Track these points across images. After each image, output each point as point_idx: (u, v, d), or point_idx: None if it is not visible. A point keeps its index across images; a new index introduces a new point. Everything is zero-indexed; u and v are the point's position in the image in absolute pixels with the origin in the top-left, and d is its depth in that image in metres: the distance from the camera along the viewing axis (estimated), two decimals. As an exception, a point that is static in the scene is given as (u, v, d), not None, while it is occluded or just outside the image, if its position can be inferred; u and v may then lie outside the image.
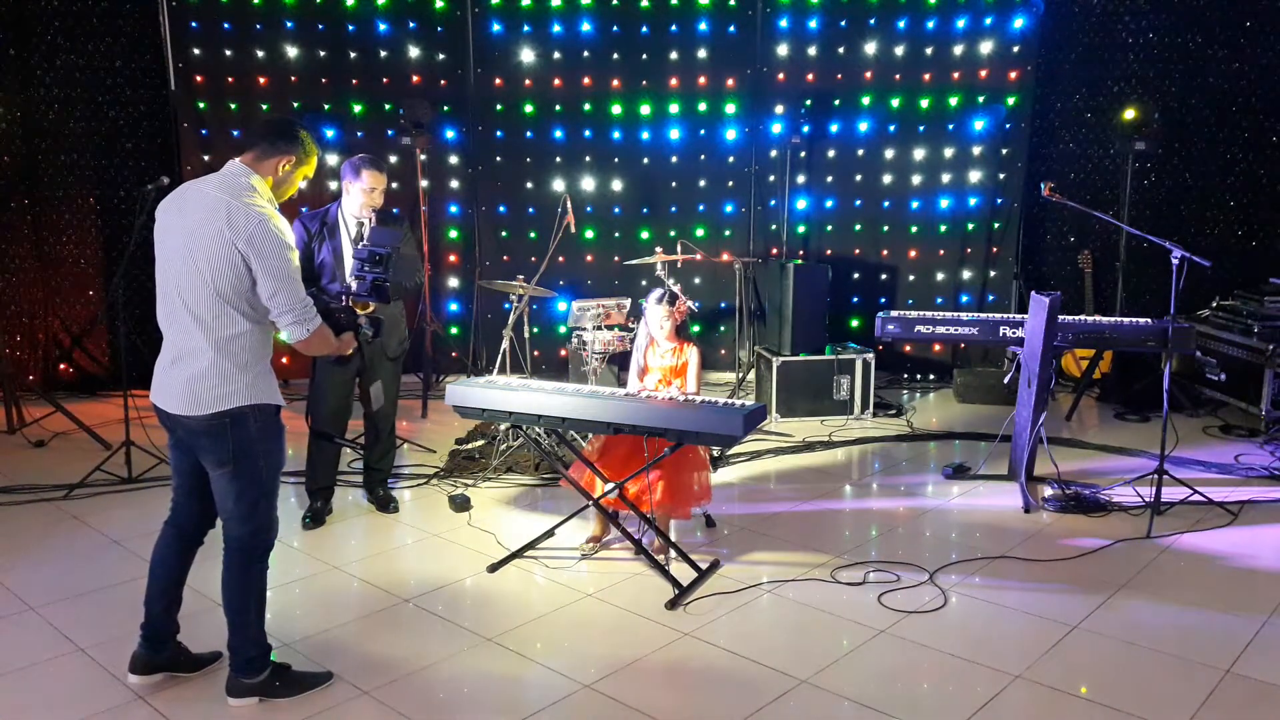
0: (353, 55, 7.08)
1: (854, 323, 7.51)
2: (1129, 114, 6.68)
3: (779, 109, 7.25)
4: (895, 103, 7.23)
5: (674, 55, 7.18)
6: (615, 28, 7.16)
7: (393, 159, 7.15)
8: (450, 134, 7.26)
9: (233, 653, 3.06)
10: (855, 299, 7.51)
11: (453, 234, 7.40)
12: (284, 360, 7.31)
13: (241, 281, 2.82)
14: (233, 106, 7.00)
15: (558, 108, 7.24)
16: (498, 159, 7.31)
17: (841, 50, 7.18)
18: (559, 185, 7.25)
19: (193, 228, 2.84)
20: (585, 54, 7.19)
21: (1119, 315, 6.66)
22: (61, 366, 7.22)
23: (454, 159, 7.34)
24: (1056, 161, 7.49)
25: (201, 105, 6.97)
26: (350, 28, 7.04)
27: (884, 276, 7.49)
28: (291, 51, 7.00)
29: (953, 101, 7.21)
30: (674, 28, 7.16)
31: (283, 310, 2.86)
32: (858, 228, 7.44)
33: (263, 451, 2.94)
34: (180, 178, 6.88)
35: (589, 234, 7.34)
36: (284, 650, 3.42)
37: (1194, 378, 6.52)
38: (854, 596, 3.82)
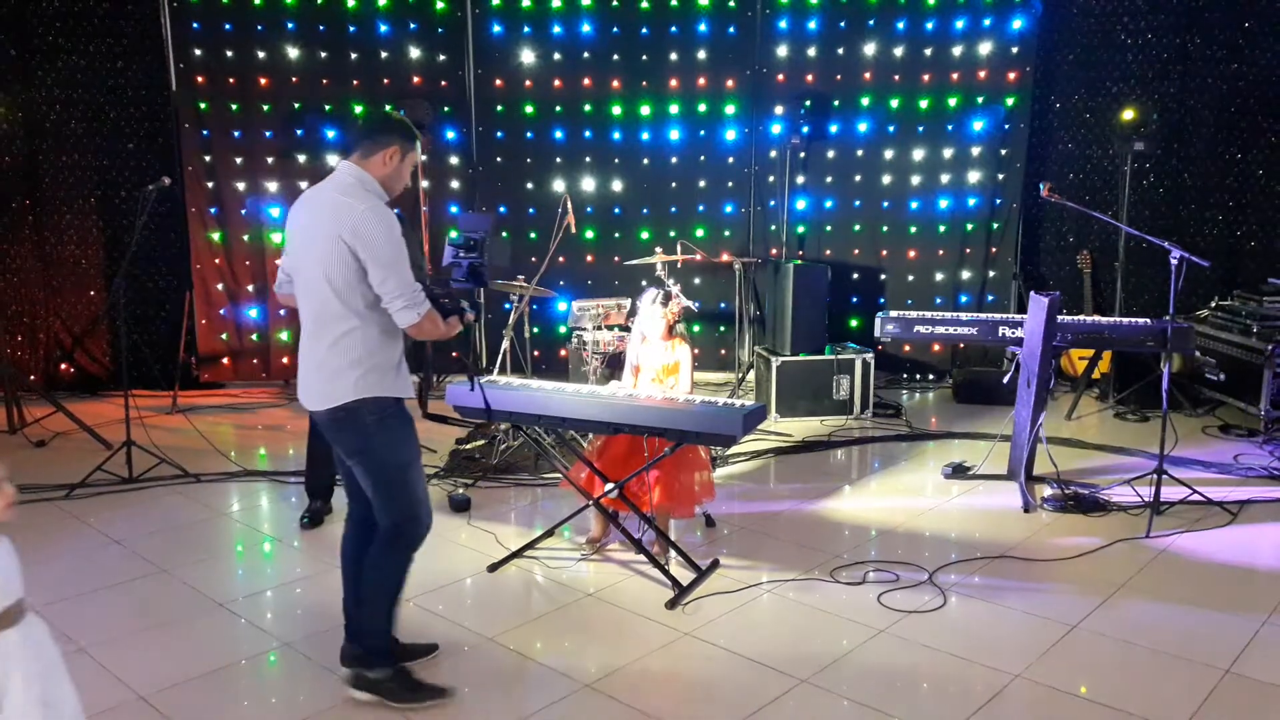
0: (354, 56, 7.09)
1: (853, 323, 7.51)
2: (1128, 114, 6.69)
3: (778, 110, 7.25)
4: (894, 103, 7.23)
5: (674, 56, 7.19)
6: (615, 29, 7.16)
7: (393, 159, 7.15)
8: (451, 134, 7.27)
9: (357, 639, 3.13)
10: (855, 299, 7.51)
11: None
12: (284, 360, 7.32)
13: (352, 275, 2.87)
14: (234, 107, 7.00)
15: (558, 108, 7.24)
16: (498, 159, 7.32)
17: (841, 51, 7.18)
18: (559, 186, 7.25)
19: (309, 231, 2.95)
20: (585, 55, 7.19)
21: (1118, 315, 6.66)
22: (62, 366, 7.23)
23: (454, 159, 7.34)
24: (1055, 162, 7.50)
25: (203, 106, 6.97)
26: (351, 29, 7.04)
27: (883, 277, 7.49)
28: (293, 52, 7.01)
29: (952, 102, 7.22)
30: (674, 29, 7.16)
31: (393, 296, 2.88)
32: (857, 228, 7.44)
33: (382, 443, 2.96)
34: (181, 178, 6.89)
35: (589, 234, 7.34)
36: (285, 649, 3.43)
37: (1193, 377, 6.52)
38: (854, 596, 3.82)
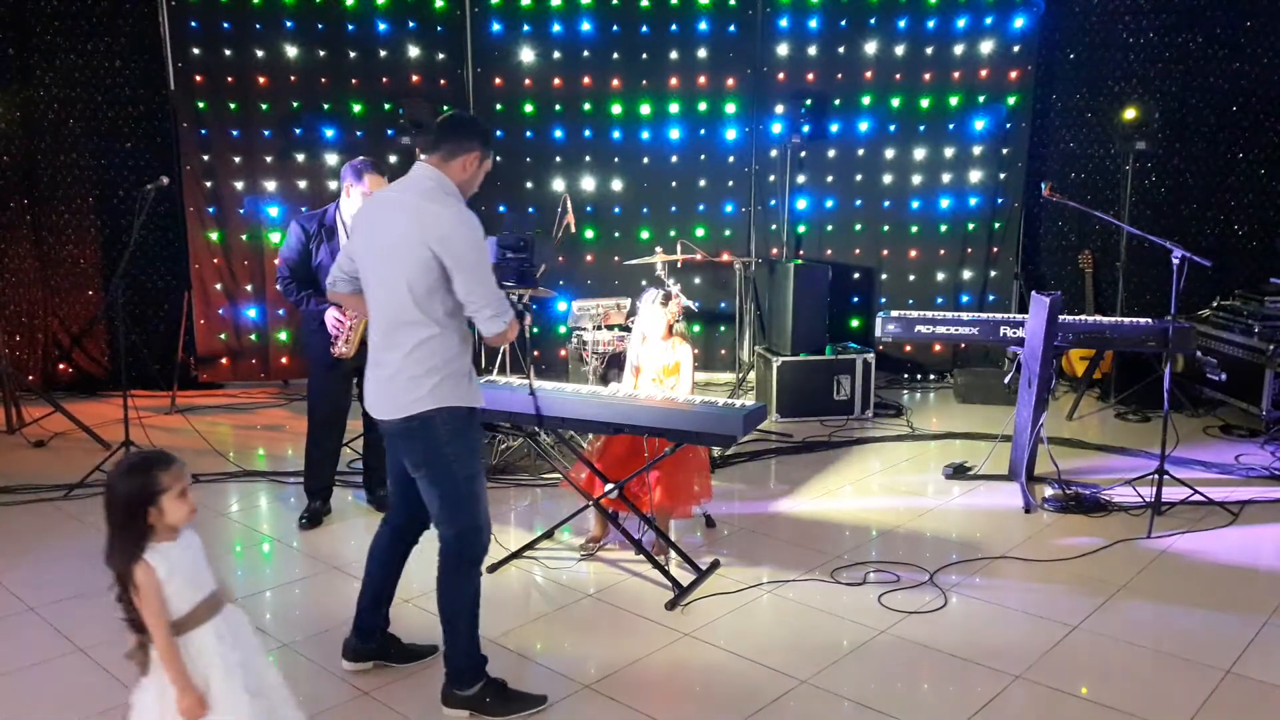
0: (352, 55, 7.08)
1: (854, 323, 7.50)
2: (1129, 113, 6.67)
3: (779, 109, 7.24)
4: (895, 102, 7.22)
5: (674, 55, 7.18)
6: (615, 27, 7.15)
7: (392, 159, 7.15)
8: (450, 134, 7.25)
9: (446, 660, 3.05)
10: (855, 299, 7.50)
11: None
12: (283, 360, 7.32)
13: (435, 283, 2.81)
14: (232, 106, 6.99)
15: (557, 107, 7.23)
16: (497, 159, 7.26)
17: (842, 50, 7.18)
18: (559, 185, 7.24)
19: (386, 236, 2.87)
20: (585, 54, 7.18)
21: (1119, 315, 6.65)
22: (61, 366, 7.22)
23: (454, 159, 7.32)
24: (1057, 161, 7.49)
25: (201, 105, 6.96)
26: (350, 27, 7.03)
27: (884, 276, 7.49)
28: (291, 51, 6.99)
29: (953, 101, 7.21)
30: (674, 27, 7.15)
31: (481, 305, 2.83)
32: (858, 228, 7.44)
33: (452, 454, 2.90)
34: (179, 178, 6.88)
35: (589, 234, 7.33)
36: (284, 651, 3.42)
37: (1194, 378, 6.51)
38: (854, 596, 3.82)
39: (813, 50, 7.20)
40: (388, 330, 2.89)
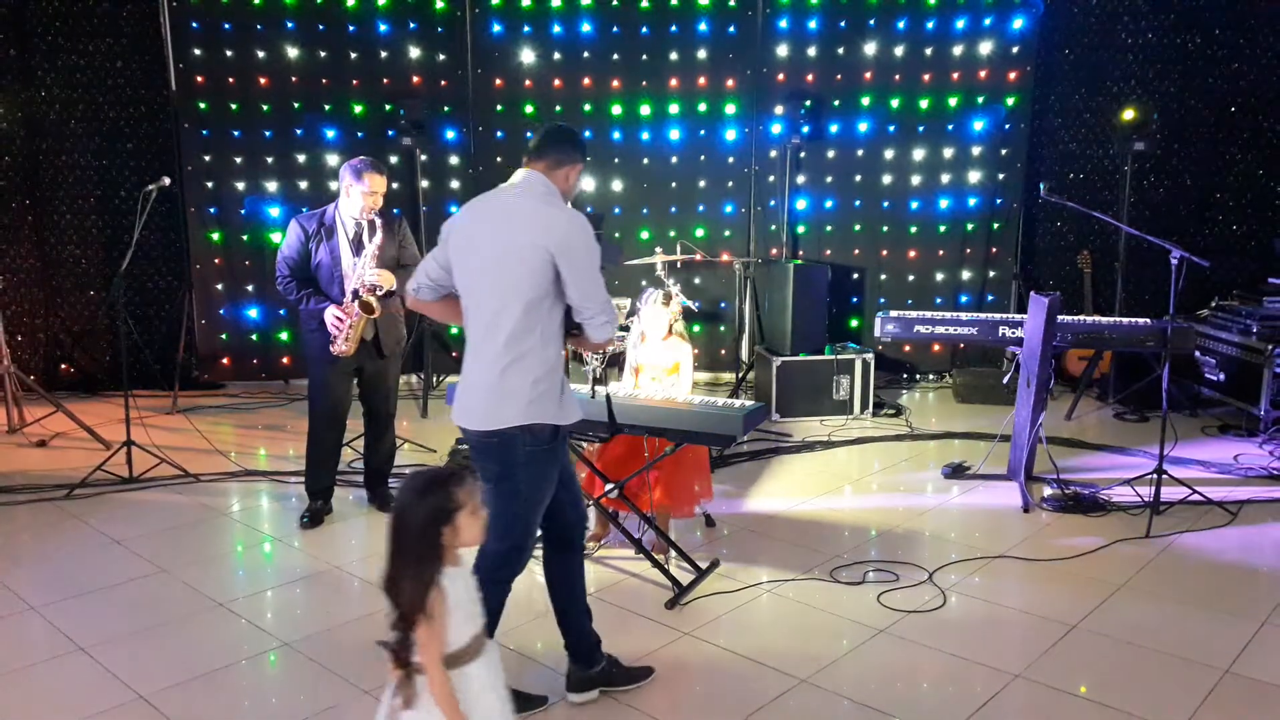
0: (353, 56, 7.08)
1: (854, 323, 7.51)
2: (1128, 114, 6.68)
3: (779, 109, 7.25)
4: (895, 103, 7.23)
5: (674, 56, 7.18)
6: (615, 28, 7.16)
7: (393, 159, 7.15)
8: (450, 134, 7.26)
9: (568, 646, 3.10)
10: (855, 299, 7.51)
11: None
12: (284, 360, 7.32)
13: (547, 288, 2.77)
14: (233, 107, 7.00)
15: (558, 108, 7.23)
16: (498, 159, 7.31)
17: (841, 51, 7.18)
18: (559, 185, 7.24)
19: (504, 239, 2.80)
20: (585, 54, 7.19)
21: (1118, 315, 6.66)
22: (62, 366, 7.23)
23: (454, 159, 7.34)
24: (1056, 162, 7.49)
25: (202, 106, 6.97)
26: (351, 28, 7.04)
27: (883, 276, 7.49)
28: (292, 52, 7.00)
29: (952, 102, 7.21)
30: (674, 28, 7.15)
31: (595, 312, 2.81)
32: (857, 228, 7.44)
33: (525, 477, 2.84)
34: (180, 178, 6.89)
35: (589, 234, 7.33)
36: (284, 650, 3.43)
37: (1193, 377, 6.52)
38: (853, 596, 3.82)
39: (812, 51, 7.20)
40: (494, 338, 2.81)
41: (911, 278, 7.48)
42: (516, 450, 2.81)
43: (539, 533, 3.04)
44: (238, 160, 7.06)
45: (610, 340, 2.89)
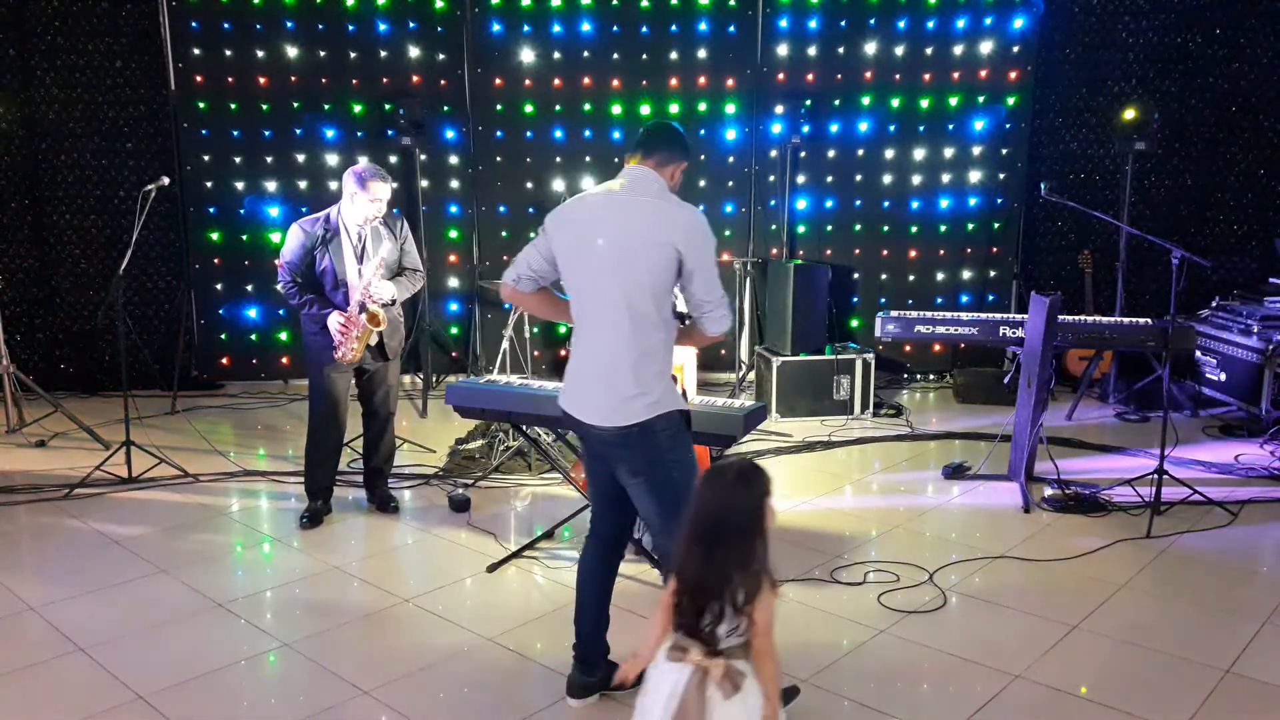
0: (353, 55, 7.08)
1: (854, 323, 7.50)
2: (1129, 114, 6.68)
3: (779, 109, 7.24)
4: (895, 103, 7.23)
5: (674, 55, 7.18)
6: (615, 28, 7.15)
7: (392, 159, 7.15)
8: (450, 134, 7.26)
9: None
10: (855, 299, 7.51)
11: (452, 234, 7.40)
12: (283, 360, 7.32)
13: (669, 281, 2.80)
14: (233, 106, 6.99)
15: (558, 108, 7.23)
16: (498, 159, 7.31)
17: (841, 50, 7.18)
18: (559, 185, 7.24)
19: (627, 235, 2.80)
20: (585, 54, 7.18)
21: (1119, 315, 6.66)
22: (62, 366, 7.22)
23: (454, 159, 7.33)
24: (1056, 161, 7.49)
25: (202, 105, 6.96)
26: (350, 28, 7.03)
27: (884, 276, 7.49)
28: (292, 51, 6.99)
29: (953, 101, 7.21)
30: (674, 28, 7.15)
31: (716, 304, 2.83)
32: (858, 228, 7.44)
33: (673, 461, 2.85)
34: (180, 178, 6.89)
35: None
36: (283, 650, 3.43)
37: (1194, 377, 6.52)
38: (854, 596, 3.82)
39: (812, 50, 7.20)
40: (616, 333, 2.80)
41: (912, 277, 7.48)
42: (658, 436, 2.82)
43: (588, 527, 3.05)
44: (237, 160, 7.05)
45: (725, 333, 2.90)
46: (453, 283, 7.47)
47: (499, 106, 7.22)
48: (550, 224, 2.96)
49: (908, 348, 7.55)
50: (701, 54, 7.18)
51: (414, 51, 7.11)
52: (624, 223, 2.82)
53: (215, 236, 7.11)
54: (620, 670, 2.39)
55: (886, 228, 7.40)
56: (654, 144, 2.93)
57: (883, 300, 7.43)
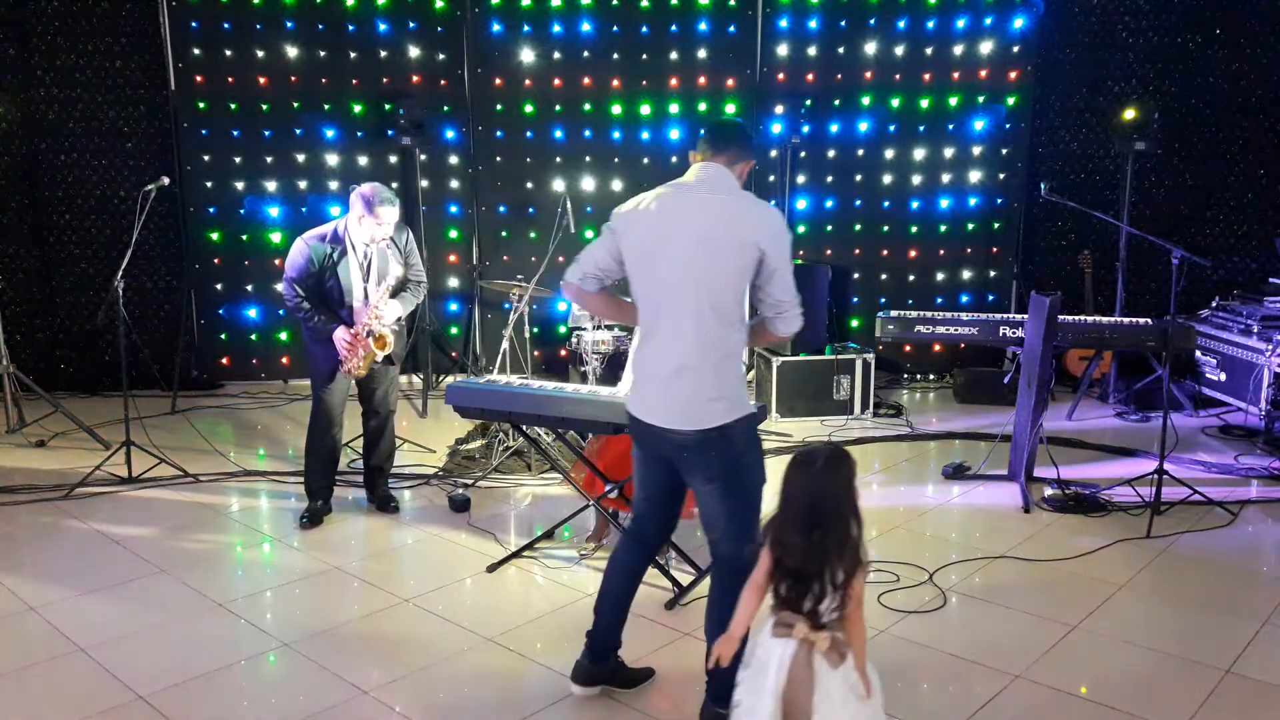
0: (353, 55, 7.08)
1: (854, 323, 7.50)
2: (1129, 114, 6.68)
3: (779, 109, 7.24)
4: (895, 103, 7.23)
5: (674, 55, 7.18)
6: (615, 28, 7.15)
7: (392, 159, 7.16)
8: (450, 134, 7.26)
9: (713, 679, 2.85)
10: (855, 299, 7.51)
11: (452, 234, 7.40)
12: (283, 360, 7.32)
13: (747, 282, 2.75)
14: (233, 106, 6.99)
15: (558, 108, 7.23)
16: (497, 159, 7.31)
17: (841, 50, 7.18)
18: (559, 185, 7.25)
19: (707, 234, 2.73)
20: (585, 54, 7.19)
21: (1119, 315, 6.66)
22: (62, 366, 7.22)
23: (454, 159, 7.33)
24: (1056, 161, 7.49)
25: (201, 105, 6.96)
26: (350, 28, 7.03)
27: (884, 276, 7.49)
28: (291, 51, 7.00)
29: (953, 101, 7.21)
30: (674, 28, 7.15)
31: (791, 304, 2.81)
32: (858, 228, 7.44)
33: (748, 464, 2.83)
34: (180, 178, 6.89)
35: (589, 234, 7.32)
36: (284, 650, 3.43)
37: (1194, 377, 6.52)
38: (854, 596, 3.81)
39: (812, 50, 7.20)
40: (697, 334, 2.74)
41: (912, 277, 7.48)
42: (736, 441, 2.78)
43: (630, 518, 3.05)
44: (237, 160, 7.05)
45: (794, 333, 2.89)
46: (452, 283, 7.47)
47: (499, 106, 7.22)
48: (618, 222, 2.90)
49: (908, 348, 7.55)
50: (701, 54, 7.19)
51: (414, 51, 7.11)
52: (705, 221, 2.75)
53: (215, 236, 7.11)
54: (716, 647, 2.43)
55: (886, 228, 7.40)
56: (724, 141, 2.86)
57: (883, 300, 7.43)
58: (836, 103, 7.25)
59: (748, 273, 2.74)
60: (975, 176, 7.32)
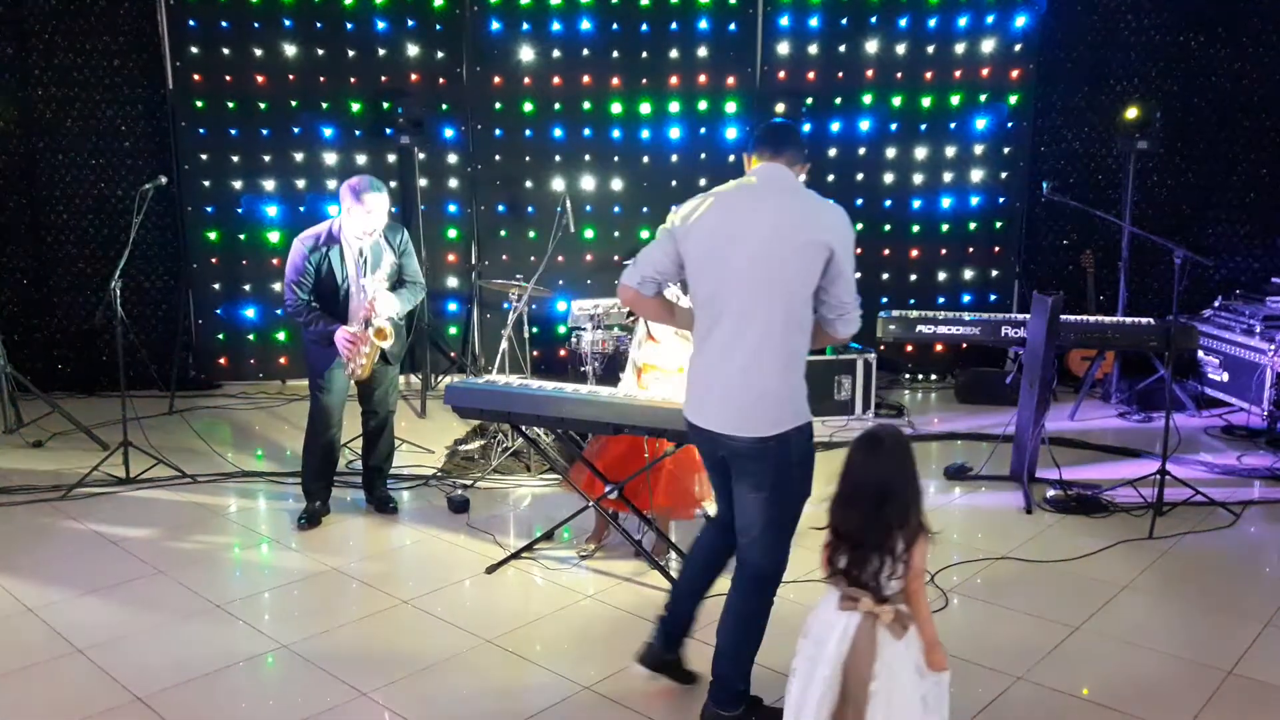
0: (351, 54, 7.06)
1: (855, 322, 7.47)
2: (1131, 113, 6.65)
3: (780, 108, 7.22)
4: (897, 101, 7.21)
5: (674, 53, 7.16)
6: (615, 26, 7.13)
7: (390, 158, 7.14)
8: (449, 133, 7.24)
9: (718, 681, 2.87)
10: (855, 298, 7.48)
11: (451, 233, 7.38)
12: (281, 360, 7.30)
13: (813, 283, 2.69)
14: (231, 105, 6.97)
15: (557, 106, 7.21)
16: (497, 158, 7.29)
17: (843, 49, 7.16)
18: (558, 184, 7.22)
19: (776, 233, 2.68)
20: (585, 52, 7.16)
21: (1121, 315, 6.63)
22: (59, 366, 7.20)
23: (453, 158, 7.31)
24: (1058, 160, 7.47)
25: (199, 104, 6.94)
26: (349, 26, 7.01)
27: (885, 276, 7.47)
28: (290, 50, 6.97)
29: (954, 100, 7.19)
30: (674, 26, 7.13)
31: (853, 306, 2.77)
32: (859, 227, 7.29)
33: (799, 476, 2.77)
34: (178, 177, 6.87)
35: (589, 233, 7.31)
36: (282, 652, 3.41)
37: (1196, 378, 6.50)
38: (855, 598, 3.79)
39: (814, 49, 7.18)
40: (763, 337, 2.68)
41: (914, 277, 7.46)
42: (791, 451, 2.73)
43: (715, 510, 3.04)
44: (235, 159, 7.03)
45: (853, 334, 2.85)
46: (451, 282, 7.45)
47: (498, 105, 7.20)
48: (678, 224, 2.83)
49: (909, 347, 7.54)
50: (702, 52, 7.16)
51: (413, 50, 7.09)
52: (776, 220, 2.69)
53: (213, 236, 7.09)
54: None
55: (888, 227, 7.39)
56: (782, 143, 2.82)
57: (884, 300, 7.40)
58: (838, 101, 7.23)
59: (817, 273, 2.68)
60: (977, 175, 7.30)
